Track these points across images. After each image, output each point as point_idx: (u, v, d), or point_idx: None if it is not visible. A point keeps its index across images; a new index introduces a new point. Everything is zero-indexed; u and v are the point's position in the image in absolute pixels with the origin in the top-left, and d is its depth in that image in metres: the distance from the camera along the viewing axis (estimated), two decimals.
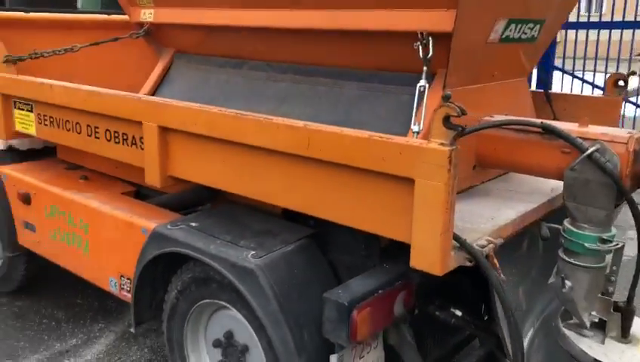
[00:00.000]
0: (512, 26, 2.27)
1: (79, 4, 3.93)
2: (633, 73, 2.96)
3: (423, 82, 2.00)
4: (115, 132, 2.66)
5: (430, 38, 2.00)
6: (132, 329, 2.72)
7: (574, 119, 2.60)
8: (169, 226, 2.46)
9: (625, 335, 2.25)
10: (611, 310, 2.24)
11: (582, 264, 2.09)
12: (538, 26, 2.45)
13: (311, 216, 2.13)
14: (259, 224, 2.41)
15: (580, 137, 2.05)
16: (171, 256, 2.43)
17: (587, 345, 2.19)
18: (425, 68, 2.00)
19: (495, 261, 1.89)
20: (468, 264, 1.83)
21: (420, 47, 2.01)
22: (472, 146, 2.36)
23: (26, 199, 3.26)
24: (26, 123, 3.23)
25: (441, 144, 1.64)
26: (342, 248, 2.31)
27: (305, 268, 2.22)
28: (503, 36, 2.25)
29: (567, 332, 2.22)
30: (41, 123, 3.12)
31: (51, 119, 3.02)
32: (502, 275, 1.90)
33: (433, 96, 2.11)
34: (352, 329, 1.92)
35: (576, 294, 2.15)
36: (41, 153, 3.59)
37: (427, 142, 1.67)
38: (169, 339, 2.59)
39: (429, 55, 2.01)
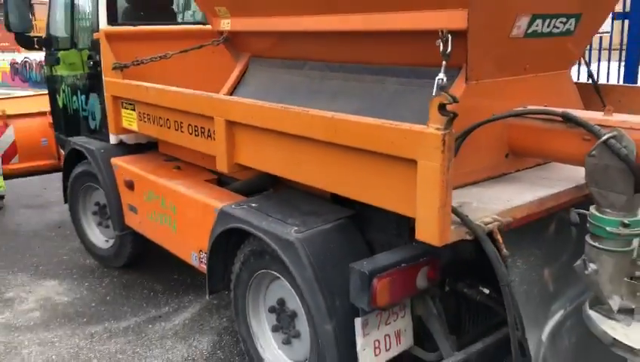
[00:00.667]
0: (539, 21, 2.40)
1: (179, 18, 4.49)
2: None
3: (441, 75, 2.21)
4: (195, 126, 3.10)
5: (449, 36, 2.21)
6: (207, 297, 3.15)
7: (631, 111, 2.68)
8: (233, 206, 2.85)
9: None
10: (637, 294, 2.29)
11: (606, 248, 2.18)
12: (573, 20, 2.55)
13: (355, 200, 2.40)
14: (307, 206, 2.73)
15: (601, 125, 2.15)
16: (236, 232, 2.82)
17: (610, 326, 2.26)
18: (444, 63, 2.21)
19: (499, 237, 2.06)
20: (468, 238, 2.02)
21: (441, 44, 2.23)
22: (503, 135, 2.51)
23: (130, 185, 3.83)
24: (130, 120, 3.79)
25: (437, 129, 1.86)
26: (377, 228, 2.56)
27: (341, 244, 2.50)
28: (529, 31, 2.39)
29: (592, 313, 2.30)
30: (141, 120, 3.66)
31: (148, 116, 3.55)
32: (504, 250, 2.06)
33: (456, 88, 2.32)
34: (372, 295, 2.17)
35: (600, 277, 2.24)
36: (145, 147, 4.15)
37: (426, 127, 1.90)
38: (235, 306, 2.98)
39: (448, 51, 2.21)
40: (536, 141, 2.45)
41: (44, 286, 4.20)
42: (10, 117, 5.74)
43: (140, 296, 4.02)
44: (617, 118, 2.23)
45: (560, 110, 2.29)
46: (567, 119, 2.26)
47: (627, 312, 2.30)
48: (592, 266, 2.23)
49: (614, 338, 2.20)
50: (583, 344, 2.50)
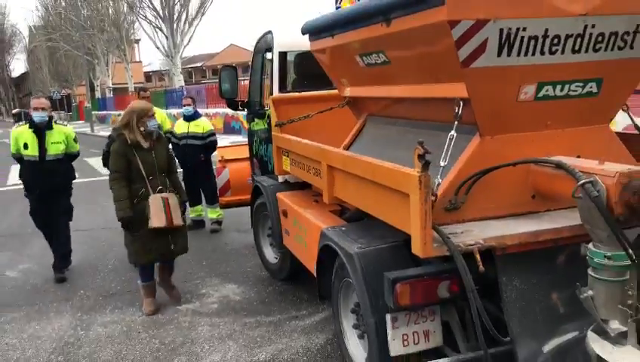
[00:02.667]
0: (548, 87, 2.93)
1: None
2: None
3: (452, 132, 2.90)
4: (314, 168, 4.14)
5: (461, 102, 2.91)
6: (317, 300, 4.10)
7: None
8: (329, 229, 3.79)
9: None
10: (629, 320, 2.64)
11: (599, 277, 2.63)
12: (594, 83, 3.00)
13: None
14: (379, 231, 3.52)
15: (589, 172, 2.63)
16: (331, 249, 3.74)
17: (600, 345, 2.66)
18: (456, 122, 2.90)
19: (477, 256, 2.65)
20: (447, 253, 2.66)
21: (455, 108, 2.93)
22: (527, 179, 3.04)
23: (285, 213, 5.00)
24: (287, 164, 4.99)
25: (417, 172, 2.59)
26: None
27: (390, 259, 3.25)
28: (540, 95, 2.94)
29: (590, 333, 2.72)
30: (292, 164, 4.82)
31: (294, 161, 4.69)
32: (481, 267, 2.64)
33: (473, 141, 2.98)
34: (395, 296, 2.90)
35: (596, 303, 2.68)
36: (307, 185, 5.25)
37: (412, 170, 2.64)
38: (333, 308, 3.88)
39: (459, 113, 2.91)
40: (549, 185, 2.94)
41: (227, 288, 5.56)
42: (227, 161, 7.45)
43: (289, 301, 5.12)
44: (601, 166, 2.66)
45: (555, 159, 2.79)
46: (559, 166, 2.76)
47: (623, 335, 2.66)
48: (586, 292, 2.68)
49: (598, 355, 2.61)
50: None
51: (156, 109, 6.22)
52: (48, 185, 5.80)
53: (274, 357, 4.11)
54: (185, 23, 30.49)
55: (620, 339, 2.63)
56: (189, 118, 7.60)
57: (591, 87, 3.02)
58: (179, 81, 30.81)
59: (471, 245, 2.70)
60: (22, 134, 5.79)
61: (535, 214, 3.09)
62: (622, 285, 2.60)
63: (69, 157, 6.01)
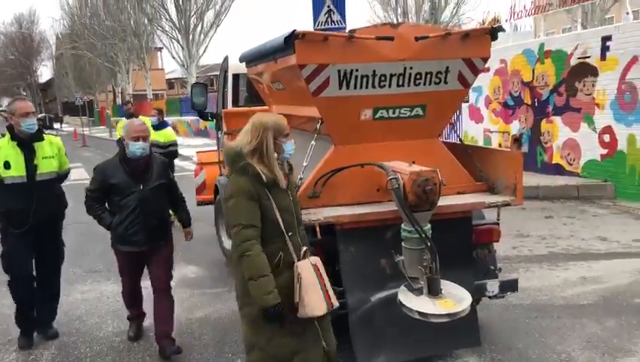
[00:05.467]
0: (383, 111, 4.03)
1: None
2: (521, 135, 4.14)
3: (313, 142, 4.02)
4: None
5: (319, 120, 4.03)
6: None
7: (493, 168, 4.12)
8: None
9: (433, 293, 3.65)
10: (424, 277, 3.72)
11: (405, 246, 3.73)
12: (419, 108, 4.10)
13: None
14: None
15: (399, 171, 3.73)
16: None
17: (404, 293, 3.73)
18: (315, 135, 4.03)
19: (317, 228, 3.74)
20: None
21: (316, 125, 4.06)
22: (372, 177, 4.12)
23: None
24: None
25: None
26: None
27: None
28: (377, 116, 4.04)
29: (401, 288, 3.80)
30: None
31: None
32: (319, 236, 3.73)
33: (331, 149, 4.09)
34: None
35: (405, 265, 3.77)
36: None
37: None
38: None
39: (318, 128, 4.03)
40: (383, 181, 4.04)
41: (187, 269, 6.72)
42: (204, 164, 8.62)
43: None
44: (407, 166, 3.75)
45: (379, 163, 3.89)
46: (380, 167, 3.86)
47: (422, 289, 3.74)
48: (398, 257, 3.77)
49: (399, 301, 3.69)
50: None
51: (143, 118, 7.45)
52: (40, 215, 4.45)
53: (206, 316, 5.25)
54: (200, 34, 32.02)
55: (420, 291, 3.72)
56: (155, 127, 8.52)
57: (417, 111, 4.11)
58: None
59: (314, 221, 3.81)
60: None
61: (379, 203, 4.17)
62: (420, 252, 3.67)
63: (60, 177, 4.77)
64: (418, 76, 4.00)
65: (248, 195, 3.03)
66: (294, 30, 3.71)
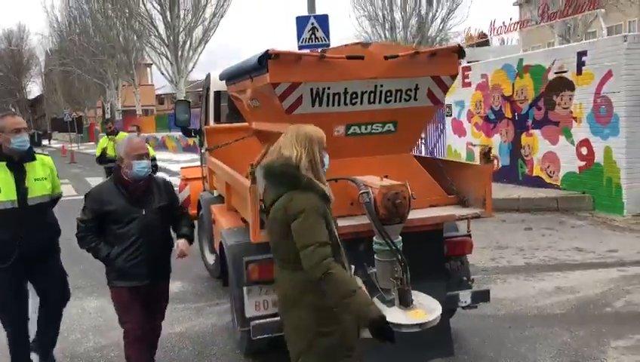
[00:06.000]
0: (355, 127, 4.16)
1: None
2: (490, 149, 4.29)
3: None
4: (224, 184, 5.38)
5: None
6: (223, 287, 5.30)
7: (464, 181, 4.24)
8: (224, 230, 5.01)
9: (404, 304, 3.75)
10: (395, 288, 3.82)
11: (378, 258, 3.83)
12: (391, 125, 4.23)
13: None
14: None
15: (370, 186, 3.84)
16: (221, 244, 4.96)
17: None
18: None
19: None
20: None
21: None
22: (346, 191, 4.24)
23: (214, 222, 6.22)
24: (215, 181, 6.24)
25: (249, 184, 3.81)
26: None
27: (252, 250, 4.46)
28: (349, 132, 4.17)
29: (374, 299, 3.88)
30: (217, 181, 6.07)
31: (217, 179, 5.94)
32: None
33: None
34: (248, 274, 4.09)
35: (377, 277, 3.87)
36: None
37: (247, 182, 3.86)
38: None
39: None
40: (355, 195, 4.15)
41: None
42: (188, 179, 8.71)
43: (217, 292, 6.33)
44: (379, 181, 3.86)
45: (353, 177, 4.00)
46: (351, 181, 3.98)
47: (393, 300, 3.84)
48: (371, 269, 3.87)
49: None
50: None
51: (121, 135, 7.53)
52: (27, 246, 3.96)
53: (187, 330, 5.32)
54: (189, 50, 32.19)
55: (392, 302, 3.81)
56: None
57: (389, 127, 4.24)
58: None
59: None
60: None
61: (353, 216, 4.28)
62: (391, 264, 3.77)
63: (53, 201, 4.30)
64: (389, 93, 4.14)
65: (319, 212, 2.81)
66: (267, 50, 3.84)
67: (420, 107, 4.25)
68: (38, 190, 4.04)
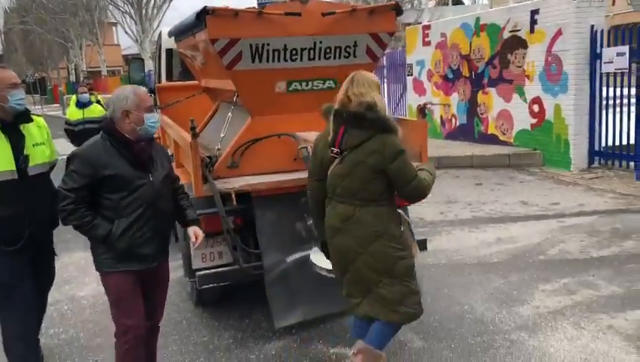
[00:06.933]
0: (296, 83, 4.27)
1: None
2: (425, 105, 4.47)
3: (229, 113, 4.24)
4: (174, 142, 5.46)
5: (236, 92, 4.25)
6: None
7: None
8: None
9: None
10: None
11: None
12: (331, 81, 4.34)
13: None
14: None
15: (310, 141, 3.98)
16: None
17: (315, 255, 4.00)
18: (232, 106, 4.25)
19: (233, 196, 3.99)
20: (210, 193, 3.99)
21: (233, 97, 4.27)
22: (290, 147, 4.38)
23: None
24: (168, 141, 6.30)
25: (189, 139, 3.92)
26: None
27: (200, 205, 4.59)
28: (291, 88, 4.28)
29: (313, 248, 4.06)
30: (168, 141, 6.13)
31: (169, 138, 6.01)
32: (235, 203, 3.98)
33: (239, 118, 4.32)
34: None
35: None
36: None
37: (188, 137, 3.96)
38: None
39: (235, 100, 4.24)
40: (294, 151, 4.29)
41: None
42: None
43: None
44: (313, 134, 4.00)
45: (293, 133, 4.14)
46: (292, 136, 4.12)
47: None
48: (311, 221, 4.03)
49: (311, 260, 3.98)
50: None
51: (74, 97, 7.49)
52: (37, 223, 3.41)
53: None
54: (153, 8, 31.46)
55: None
56: (84, 104, 8.43)
57: (330, 84, 4.36)
58: (148, 65, 31.80)
59: (228, 189, 4.05)
60: None
61: (296, 171, 4.43)
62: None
63: (51, 169, 3.62)
64: (328, 50, 4.25)
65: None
66: (205, 6, 3.90)
67: (360, 64, 4.34)
68: (38, 157, 3.41)
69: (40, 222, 3.42)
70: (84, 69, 40.71)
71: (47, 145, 3.52)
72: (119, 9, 31.89)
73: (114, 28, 52.32)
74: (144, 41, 31.03)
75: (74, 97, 8.81)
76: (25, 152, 3.32)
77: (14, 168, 3.27)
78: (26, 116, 3.39)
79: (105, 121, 3.21)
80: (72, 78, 43.70)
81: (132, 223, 3.07)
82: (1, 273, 3.31)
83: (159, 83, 6.90)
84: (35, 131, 3.45)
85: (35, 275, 3.50)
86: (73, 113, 8.52)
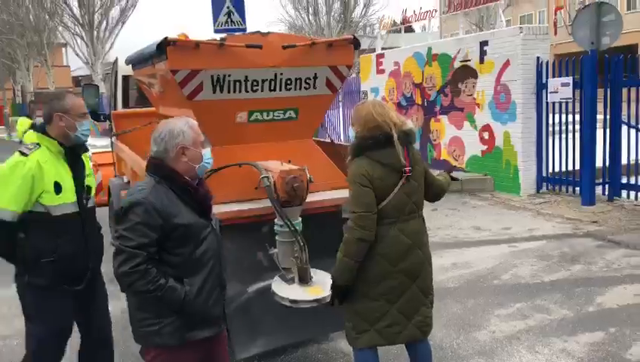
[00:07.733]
0: (257, 113, 4.31)
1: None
2: None
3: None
4: (131, 169, 5.39)
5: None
6: None
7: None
8: None
9: (303, 281, 3.94)
10: (295, 267, 4.02)
11: (278, 239, 4.01)
12: (292, 111, 4.41)
13: None
14: None
15: (271, 170, 4.00)
16: None
17: (277, 284, 4.01)
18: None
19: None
20: None
21: None
22: (250, 176, 4.39)
23: None
24: (123, 167, 6.22)
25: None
26: None
27: None
28: (252, 119, 4.31)
29: (275, 278, 4.06)
30: (124, 167, 6.06)
31: (125, 164, 5.93)
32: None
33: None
34: None
35: (279, 257, 4.04)
36: None
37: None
38: None
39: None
40: (257, 180, 4.31)
41: None
42: (99, 165, 8.56)
43: None
44: (279, 166, 4.03)
45: (254, 163, 4.16)
46: (253, 165, 4.14)
47: (293, 278, 4.03)
48: (273, 250, 4.05)
49: (272, 290, 3.97)
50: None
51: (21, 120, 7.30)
52: (96, 259, 3.33)
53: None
54: (105, 30, 31.08)
55: (292, 280, 4.01)
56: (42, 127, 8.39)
57: (290, 114, 4.43)
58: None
59: None
60: (44, 164, 3.06)
61: (257, 200, 4.44)
62: (291, 244, 3.97)
63: None
64: (289, 81, 4.32)
65: None
66: (166, 37, 3.91)
67: (320, 95, 4.46)
68: (92, 189, 3.33)
69: (98, 258, 3.30)
70: (32, 90, 39.64)
71: (92, 176, 3.49)
72: (69, 30, 31.37)
73: (63, 49, 51.30)
74: (95, 63, 30.57)
75: (25, 120, 8.63)
76: (85, 183, 3.26)
77: (75, 200, 3.15)
78: (84, 146, 3.32)
79: (152, 161, 2.74)
80: (19, 99, 42.45)
81: (205, 280, 2.67)
82: (66, 317, 3.16)
83: (115, 109, 6.82)
84: (86, 161, 3.41)
85: (91, 315, 3.37)
86: (30, 136, 8.27)
